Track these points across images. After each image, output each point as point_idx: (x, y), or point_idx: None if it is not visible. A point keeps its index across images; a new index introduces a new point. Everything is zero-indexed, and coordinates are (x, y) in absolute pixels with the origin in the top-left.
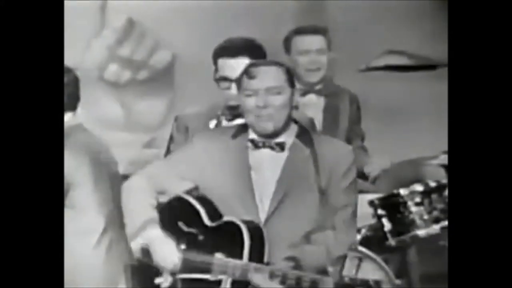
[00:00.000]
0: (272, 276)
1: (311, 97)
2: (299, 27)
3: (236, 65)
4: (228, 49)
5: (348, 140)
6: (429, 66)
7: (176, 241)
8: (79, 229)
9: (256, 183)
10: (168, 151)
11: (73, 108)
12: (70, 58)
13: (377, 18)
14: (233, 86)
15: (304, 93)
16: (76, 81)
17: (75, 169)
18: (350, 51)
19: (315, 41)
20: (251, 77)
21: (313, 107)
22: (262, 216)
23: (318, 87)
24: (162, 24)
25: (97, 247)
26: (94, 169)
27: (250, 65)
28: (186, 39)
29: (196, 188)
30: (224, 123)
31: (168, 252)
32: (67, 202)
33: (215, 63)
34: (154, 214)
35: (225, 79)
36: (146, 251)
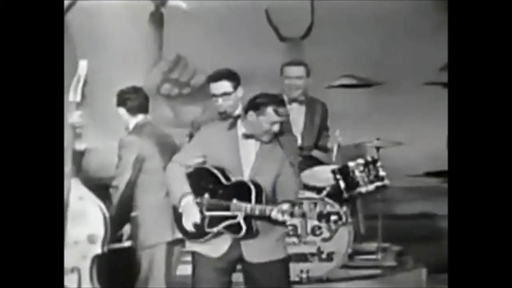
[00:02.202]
0: (280, 211)
1: (295, 105)
2: (290, 61)
3: (219, 86)
4: (216, 77)
5: (320, 131)
6: (367, 85)
7: (201, 194)
8: (154, 186)
9: (242, 158)
10: (189, 140)
11: (146, 111)
12: (137, 80)
13: (337, 53)
14: (219, 99)
15: (290, 102)
16: (145, 95)
17: (147, 148)
18: (320, 75)
19: (298, 70)
20: (278, 114)
21: (297, 111)
22: (246, 178)
23: (300, 98)
24: (199, 58)
25: (166, 196)
26: (159, 148)
27: (279, 103)
28: (214, 68)
29: (204, 162)
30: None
31: (193, 214)
32: (143, 169)
33: (208, 86)
34: (188, 189)
35: (214, 95)
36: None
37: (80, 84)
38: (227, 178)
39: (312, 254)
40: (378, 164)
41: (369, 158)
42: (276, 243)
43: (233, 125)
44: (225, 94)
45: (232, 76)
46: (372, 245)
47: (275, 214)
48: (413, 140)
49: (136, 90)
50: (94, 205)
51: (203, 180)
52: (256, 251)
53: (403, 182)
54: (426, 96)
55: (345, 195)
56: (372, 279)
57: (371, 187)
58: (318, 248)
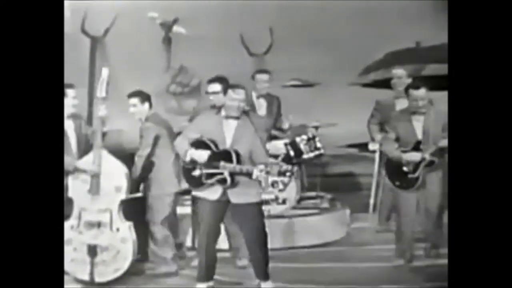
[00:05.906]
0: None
1: (260, 99)
2: (258, 69)
3: (215, 87)
4: (212, 80)
5: (276, 117)
6: (309, 85)
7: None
8: (166, 154)
9: (225, 132)
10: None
11: (151, 106)
12: (153, 81)
13: (288, 63)
14: (219, 96)
15: (257, 97)
16: (149, 95)
17: (160, 130)
18: (277, 79)
19: (264, 77)
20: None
21: (261, 104)
22: (228, 145)
23: (263, 94)
24: (195, 67)
25: (174, 162)
26: (165, 130)
27: (235, 87)
28: (206, 74)
29: (201, 136)
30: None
31: (202, 154)
32: (158, 145)
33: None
34: (189, 147)
35: (214, 92)
36: (192, 160)
37: (104, 85)
38: (217, 147)
39: (272, 200)
40: (317, 139)
41: (310, 135)
42: (252, 191)
43: (219, 111)
44: (214, 93)
45: (222, 81)
46: (313, 194)
47: (256, 172)
48: (340, 122)
49: (143, 93)
50: (118, 167)
51: (201, 149)
52: (237, 196)
53: (333, 151)
54: (349, 93)
55: (294, 160)
56: (312, 216)
57: (311, 155)
58: (276, 196)
